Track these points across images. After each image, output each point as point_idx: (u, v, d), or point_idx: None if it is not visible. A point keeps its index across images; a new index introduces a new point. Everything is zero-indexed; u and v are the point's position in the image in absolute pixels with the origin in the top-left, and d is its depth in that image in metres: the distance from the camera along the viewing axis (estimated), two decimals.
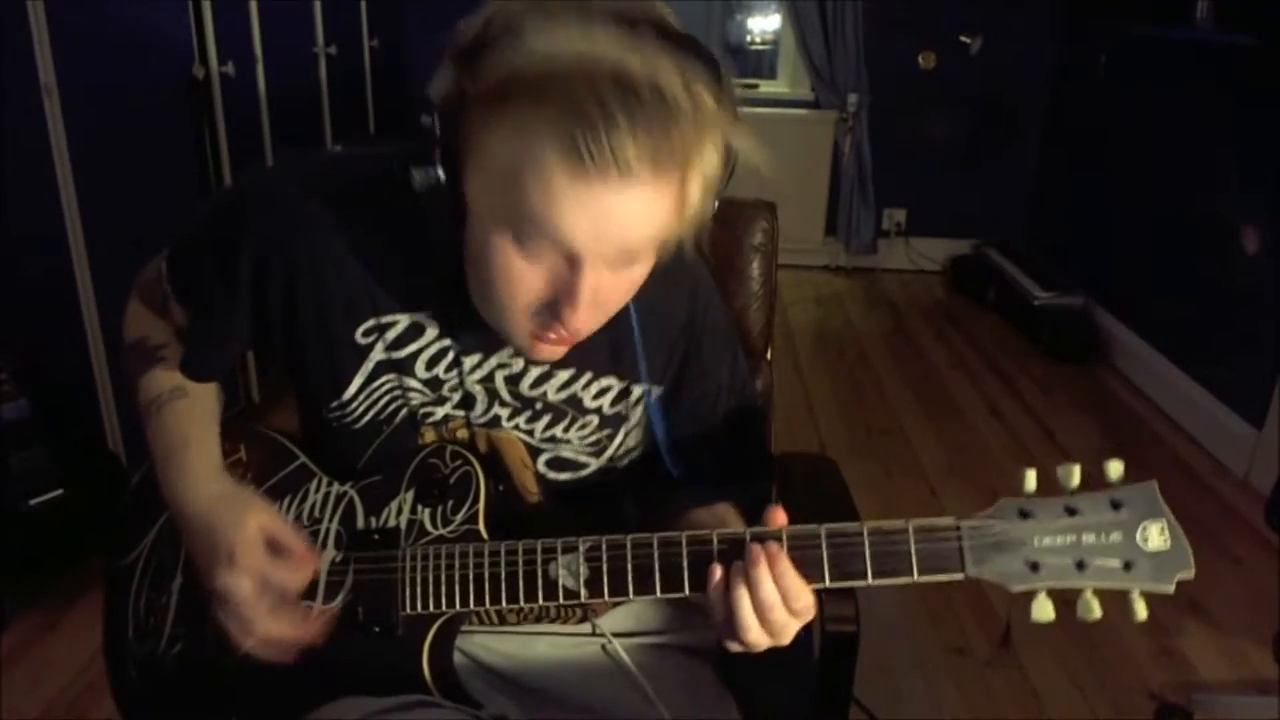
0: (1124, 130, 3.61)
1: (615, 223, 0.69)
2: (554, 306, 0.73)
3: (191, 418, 0.92)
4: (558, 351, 0.80)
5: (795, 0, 4.20)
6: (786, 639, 0.76)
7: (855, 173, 4.40)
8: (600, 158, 0.65)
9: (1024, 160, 4.40)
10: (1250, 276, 2.77)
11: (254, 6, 2.77)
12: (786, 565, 0.73)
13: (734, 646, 0.77)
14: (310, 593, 0.84)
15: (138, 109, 2.27)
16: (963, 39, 4.26)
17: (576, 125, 0.64)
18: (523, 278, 0.73)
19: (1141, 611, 0.71)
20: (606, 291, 0.74)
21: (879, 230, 4.56)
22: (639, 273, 0.76)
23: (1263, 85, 2.74)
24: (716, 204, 0.77)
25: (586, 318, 0.74)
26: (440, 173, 0.71)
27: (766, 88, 4.65)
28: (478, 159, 0.70)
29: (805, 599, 0.74)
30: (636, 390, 0.91)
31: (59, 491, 1.93)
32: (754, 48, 4.75)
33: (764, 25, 4.69)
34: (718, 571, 0.75)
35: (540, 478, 0.92)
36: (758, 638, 0.74)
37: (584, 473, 0.92)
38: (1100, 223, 3.76)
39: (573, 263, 0.71)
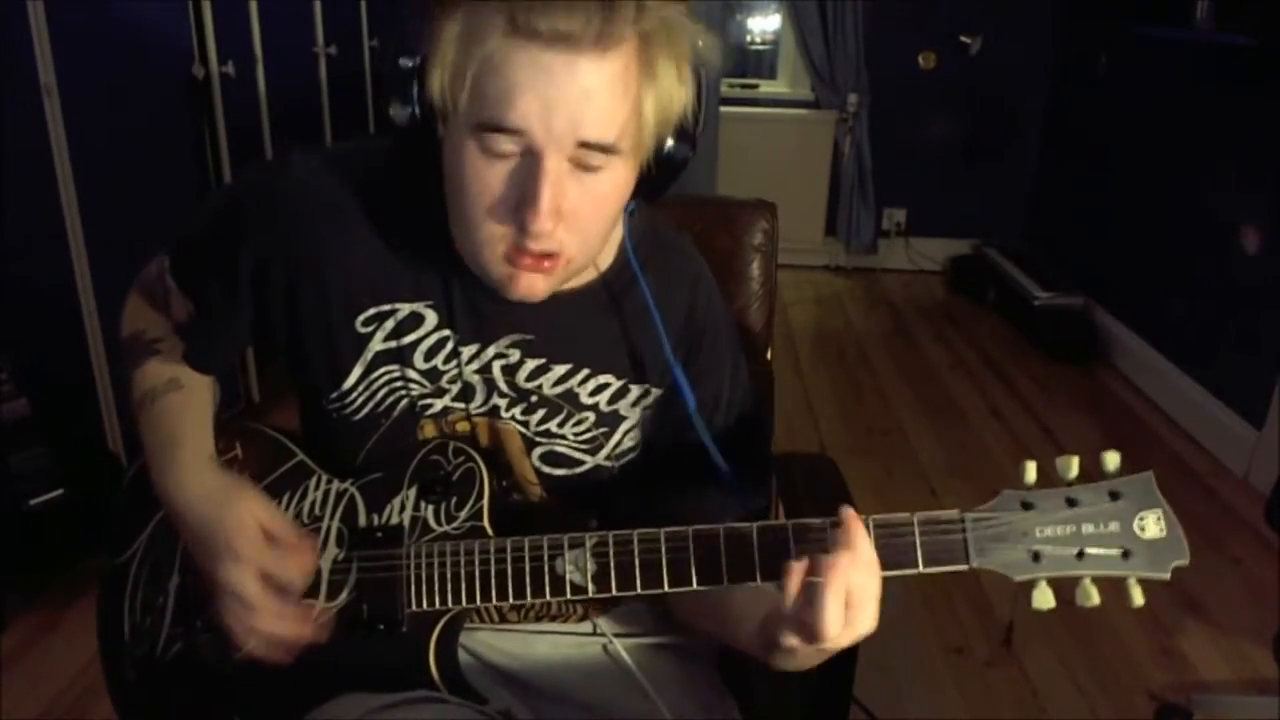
0: (1124, 130, 3.61)
1: (564, 99, 0.69)
2: (518, 214, 0.72)
3: (185, 411, 0.92)
4: (536, 284, 0.77)
5: (795, 0, 4.21)
6: (861, 630, 0.72)
7: (855, 173, 4.40)
8: (544, 25, 0.67)
9: (1024, 160, 4.40)
10: (1250, 276, 2.77)
11: (254, 6, 2.77)
12: (873, 554, 0.71)
13: (816, 641, 0.71)
14: (313, 591, 0.84)
15: (138, 109, 2.27)
16: (963, 39, 4.26)
17: (510, 3, 0.67)
18: (484, 178, 0.72)
19: (1138, 597, 0.72)
20: (573, 200, 0.73)
21: (879, 230, 4.56)
22: (605, 185, 0.74)
23: (1263, 85, 2.74)
24: (680, 146, 0.78)
25: (550, 223, 0.72)
26: (416, 104, 0.73)
27: (766, 88, 4.65)
28: (438, 66, 0.72)
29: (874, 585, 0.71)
30: (635, 390, 0.91)
31: (59, 491, 1.93)
32: (754, 48, 4.75)
33: (764, 25, 4.69)
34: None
35: (536, 472, 0.92)
36: (835, 627, 0.69)
37: (578, 470, 0.91)
38: (1100, 223, 3.76)
39: (531, 158, 0.71)
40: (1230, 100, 2.94)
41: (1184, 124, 3.20)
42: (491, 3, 0.68)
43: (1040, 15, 4.16)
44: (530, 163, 0.71)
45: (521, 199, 0.72)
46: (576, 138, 0.70)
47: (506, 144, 0.71)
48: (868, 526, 0.73)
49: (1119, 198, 3.63)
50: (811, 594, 0.69)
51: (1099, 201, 3.79)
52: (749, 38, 4.73)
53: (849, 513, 0.73)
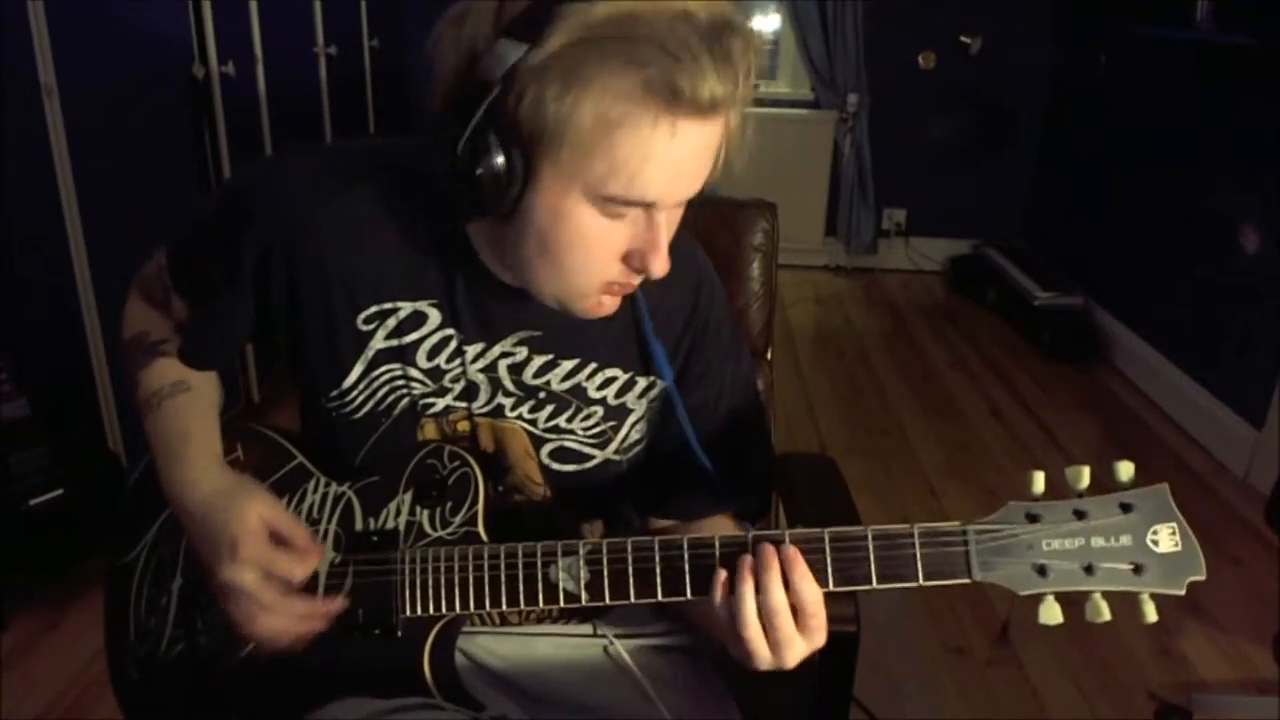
0: (1124, 130, 3.61)
1: (691, 162, 0.72)
2: (633, 258, 0.75)
3: (192, 412, 0.92)
4: (615, 304, 0.81)
5: (795, 0, 4.21)
6: (788, 658, 0.74)
7: (855, 173, 4.40)
8: (691, 100, 0.67)
9: (1024, 160, 4.40)
10: (1250, 276, 2.77)
11: (254, 6, 2.77)
12: (804, 571, 0.72)
13: (750, 662, 0.75)
14: (310, 593, 0.84)
15: (138, 109, 2.27)
16: (963, 39, 4.26)
17: (667, 74, 0.66)
18: (603, 238, 0.74)
19: (1151, 614, 0.70)
20: (669, 232, 0.77)
21: (879, 230, 4.56)
22: (677, 216, 0.78)
23: (1263, 85, 2.74)
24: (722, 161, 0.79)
25: (667, 260, 0.76)
26: (503, 159, 0.70)
27: (766, 88, 4.65)
28: (553, 130, 0.69)
29: (817, 615, 0.72)
30: (641, 383, 0.91)
31: (59, 491, 1.93)
32: None
33: (764, 25, 4.68)
34: (722, 575, 0.74)
35: (545, 469, 0.92)
36: (759, 647, 0.73)
37: (588, 465, 0.92)
38: (1100, 223, 3.76)
39: (649, 211, 0.73)
40: (1230, 100, 2.94)
41: (1184, 124, 3.20)
42: (635, 69, 0.66)
43: (1040, 15, 4.16)
44: (648, 218, 0.74)
45: (637, 250, 0.75)
46: (689, 189, 0.74)
47: (628, 209, 0.73)
48: (810, 541, 0.73)
49: (1119, 198, 3.62)
50: (730, 609, 0.73)
51: (1099, 201, 3.79)
52: (747, 25, 4.72)
53: (763, 546, 0.73)
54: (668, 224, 0.75)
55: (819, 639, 0.74)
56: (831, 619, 0.95)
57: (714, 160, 0.74)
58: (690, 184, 0.74)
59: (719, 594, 0.74)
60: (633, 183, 0.70)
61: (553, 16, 0.66)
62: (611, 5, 0.66)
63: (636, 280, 0.78)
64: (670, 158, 0.70)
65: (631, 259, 0.75)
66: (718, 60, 0.67)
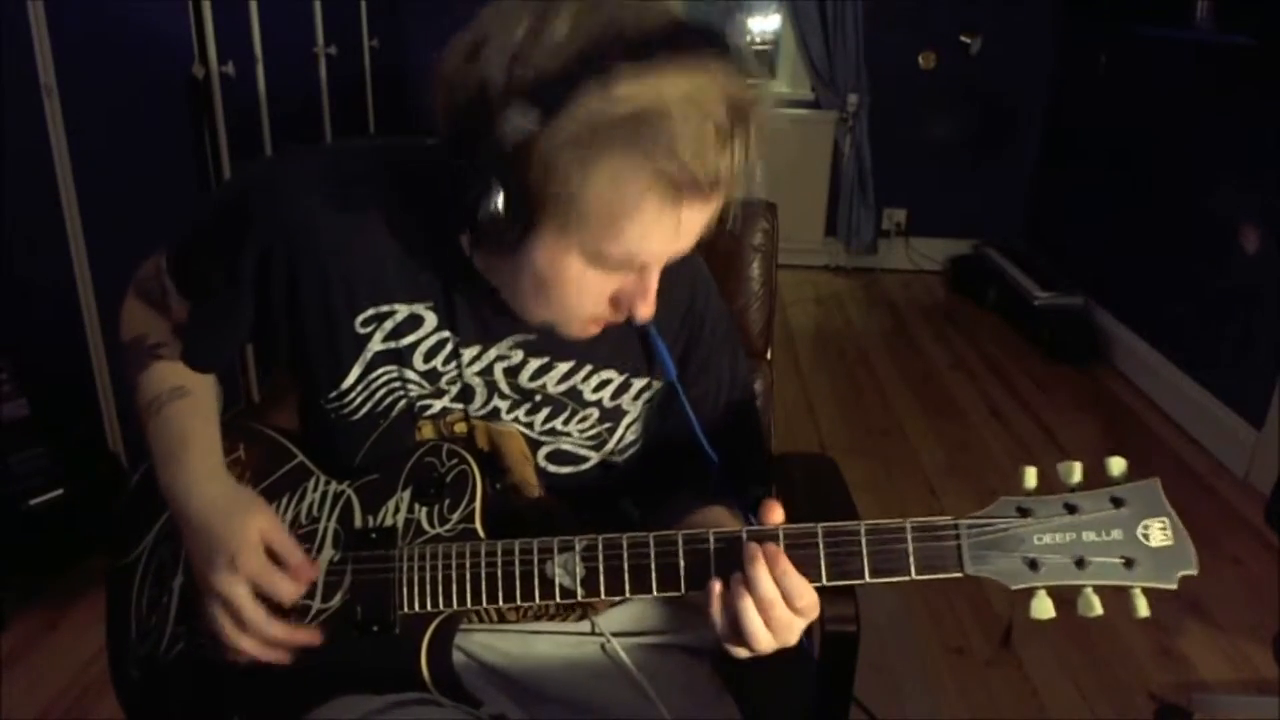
0: (1124, 130, 3.61)
1: (690, 234, 0.75)
2: (620, 303, 0.78)
3: (193, 416, 0.92)
4: (600, 328, 0.82)
5: (795, 0, 4.21)
6: (792, 637, 0.75)
7: (855, 173, 4.40)
8: (698, 187, 0.69)
9: (1024, 160, 4.40)
10: (1250, 276, 2.77)
11: (254, 6, 2.77)
12: (787, 565, 0.73)
13: (739, 651, 0.76)
14: (309, 592, 0.84)
15: (138, 109, 2.27)
16: (963, 39, 4.26)
17: (680, 168, 0.67)
18: (596, 287, 0.76)
19: (1143, 608, 0.71)
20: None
21: (879, 230, 4.56)
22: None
23: (1263, 85, 2.74)
24: None
25: (654, 306, 0.79)
26: (504, 207, 0.70)
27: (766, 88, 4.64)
28: (560, 201, 0.69)
29: (808, 597, 0.74)
30: (636, 384, 0.92)
31: (59, 491, 1.93)
32: (754, 48, 4.75)
33: (764, 25, 4.69)
34: (715, 571, 0.75)
35: (541, 471, 0.92)
36: (762, 638, 0.74)
37: (584, 467, 0.92)
38: (1100, 223, 3.76)
39: (644, 268, 0.76)
40: (1230, 100, 2.94)
41: (1184, 124, 3.20)
42: (646, 159, 0.67)
43: (1040, 15, 4.16)
44: (641, 271, 0.77)
45: (626, 296, 0.78)
46: (681, 255, 0.77)
47: (625, 265, 0.75)
48: (804, 536, 0.75)
49: (1119, 197, 3.62)
50: (727, 603, 0.74)
51: (1099, 201, 3.79)
52: (749, 38, 4.73)
53: (749, 544, 0.74)
54: (660, 271, 0.78)
55: (813, 614, 0.75)
56: (831, 619, 0.96)
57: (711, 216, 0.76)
58: (688, 245, 0.76)
59: (715, 599, 0.75)
60: (631, 254, 0.73)
61: (570, 98, 0.66)
62: (629, 92, 0.65)
63: (623, 319, 0.80)
64: (672, 234, 0.73)
65: (619, 303, 0.78)
66: (728, 150, 0.68)
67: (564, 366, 0.89)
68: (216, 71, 2.56)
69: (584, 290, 0.76)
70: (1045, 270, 3.89)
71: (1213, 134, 3.03)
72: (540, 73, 0.67)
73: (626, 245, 0.72)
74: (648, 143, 0.66)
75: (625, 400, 0.92)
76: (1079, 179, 4.00)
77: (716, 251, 0.99)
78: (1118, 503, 0.72)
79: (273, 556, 0.83)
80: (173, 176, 2.46)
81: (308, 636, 0.83)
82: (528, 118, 0.67)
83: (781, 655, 0.77)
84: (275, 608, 0.82)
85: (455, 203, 0.71)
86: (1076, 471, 0.72)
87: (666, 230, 0.72)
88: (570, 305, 0.78)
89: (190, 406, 0.92)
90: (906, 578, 0.73)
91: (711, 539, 0.76)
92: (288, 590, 0.82)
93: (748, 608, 0.73)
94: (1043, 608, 0.72)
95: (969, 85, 4.32)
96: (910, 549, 0.73)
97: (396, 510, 0.86)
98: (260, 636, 0.82)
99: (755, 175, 0.74)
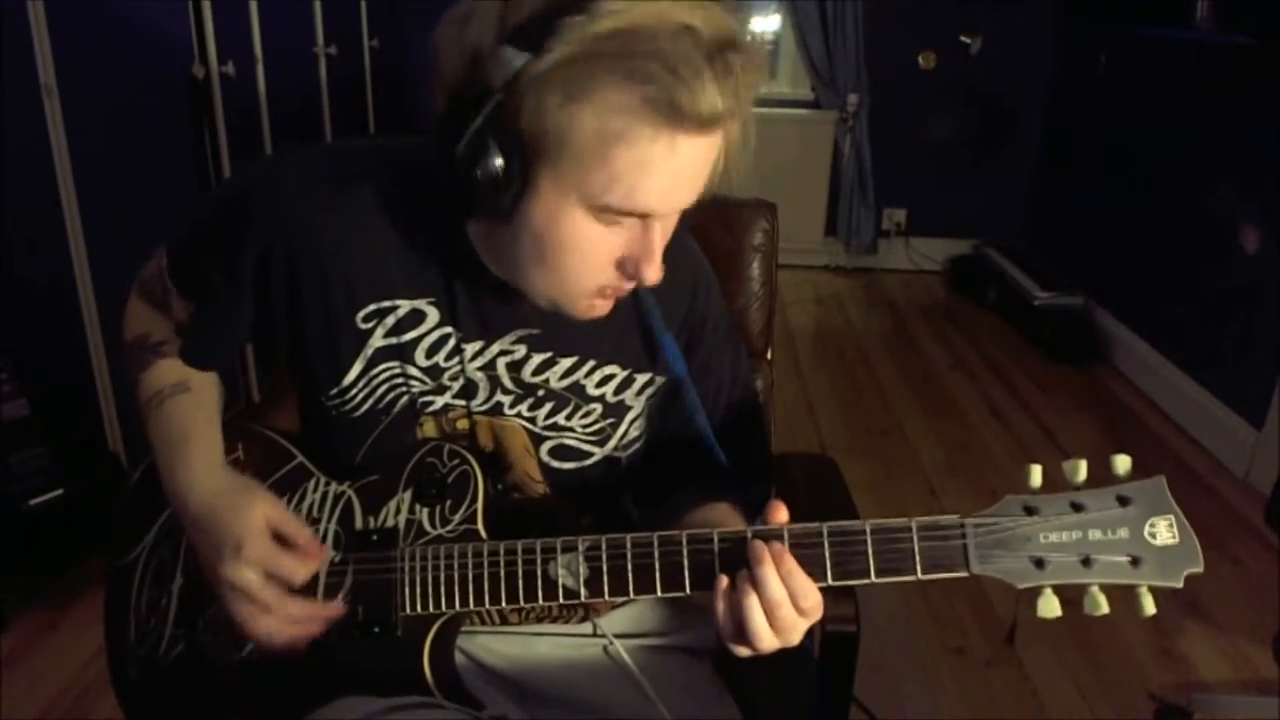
0: (1124, 130, 3.61)
1: (689, 174, 0.73)
2: (626, 265, 0.76)
3: (194, 412, 0.92)
4: (608, 307, 0.81)
5: (795, 0, 4.21)
6: (796, 638, 0.75)
7: (855, 173, 4.40)
8: (691, 115, 0.67)
9: (1024, 160, 4.40)
10: (1250, 276, 2.77)
11: (254, 6, 2.77)
12: (793, 565, 0.73)
13: (741, 650, 0.76)
14: (311, 593, 0.84)
15: (138, 109, 2.27)
16: (963, 39, 4.26)
17: (667, 90, 0.66)
18: (598, 244, 0.75)
19: (1149, 607, 0.70)
20: (664, 239, 0.77)
21: (879, 230, 4.56)
22: (672, 223, 0.80)
23: (1263, 85, 2.74)
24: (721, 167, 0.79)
25: (660, 267, 0.77)
26: (502, 162, 0.70)
27: (766, 88, 4.64)
28: (552, 140, 0.69)
29: (813, 597, 0.74)
30: (640, 380, 0.92)
31: (59, 491, 1.93)
32: None
33: (764, 25, 4.69)
34: (720, 570, 0.75)
35: (544, 467, 0.92)
36: (766, 637, 0.74)
37: (587, 462, 0.92)
38: (1100, 223, 3.76)
39: (645, 220, 0.74)
40: (1230, 100, 2.94)
41: (1184, 124, 3.20)
42: (636, 84, 0.66)
43: (1040, 15, 4.16)
44: (643, 227, 0.75)
45: (632, 257, 0.76)
46: (686, 201, 0.76)
47: (624, 218, 0.73)
48: (809, 535, 0.75)
49: (1119, 198, 3.62)
50: (732, 603, 0.74)
51: (1099, 201, 3.79)
52: (749, 38, 4.72)
53: (756, 542, 0.74)
54: (663, 232, 0.76)
55: (817, 615, 0.75)
56: (831, 619, 0.96)
57: (712, 170, 0.75)
58: (688, 194, 0.75)
59: (720, 597, 0.74)
60: (630, 194, 0.71)
61: (556, 28, 0.66)
62: (614, 19, 0.65)
63: (629, 285, 0.79)
64: (668, 171, 0.71)
65: (625, 265, 0.76)
66: (719, 76, 0.67)
67: (567, 361, 0.89)
68: (216, 71, 2.56)
69: (586, 252, 0.75)
70: (1045, 270, 3.89)
71: (1213, 134, 3.03)
72: (528, 16, 0.67)
73: (624, 184, 0.70)
74: (633, 64, 0.66)
75: (629, 396, 0.92)
76: (1079, 179, 4.00)
77: (717, 251, 0.99)
78: (1124, 501, 0.71)
79: (280, 540, 0.82)
80: (173, 176, 2.46)
81: (330, 610, 0.83)
82: (516, 59, 0.67)
83: (782, 655, 0.77)
84: (289, 590, 0.82)
85: (453, 173, 0.70)
86: (1082, 470, 0.72)
87: (662, 162, 0.70)
88: (572, 268, 0.76)
89: (192, 402, 0.92)
90: (912, 577, 0.73)
91: (716, 539, 0.76)
92: (298, 570, 0.82)
93: (753, 607, 0.73)
94: (1049, 606, 0.72)
95: (969, 85, 4.32)
96: (916, 548, 0.73)
97: (398, 511, 0.86)
98: (282, 616, 0.81)
99: (750, 130, 0.74)
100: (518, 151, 0.70)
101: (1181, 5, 2.96)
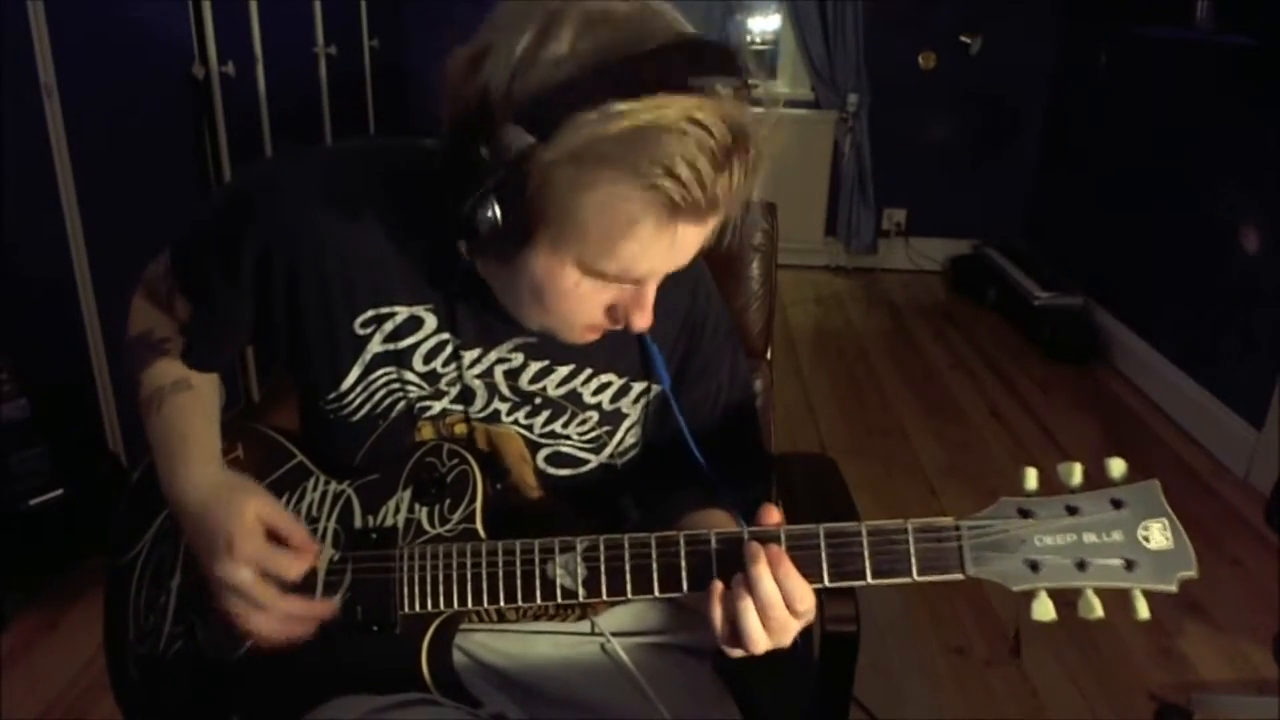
0: (1124, 130, 3.61)
1: (688, 251, 0.75)
2: (616, 313, 0.78)
3: (193, 411, 0.92)
4: (599, 334, 0.82)
5: (795, 0, 4.21)
6: (787, 640, 0.76)
7: (855, 173, 4.40)
8: (695, 207, 0.68)
9: (1024, 160, 4.40)
10: (1250, 276, 2.77)
11: (254, 6, 2.77)
12: (789, 566, 0.73)
13: (734, 652, 0.76)
14: (310, 591, 0.84)
15: (138, 109, 2.27)
16: (963, 39, 4.26)
17: (674, 191, 0.66)
18: (592, 297, 0.76)
19: (1143, 610, 0.71)
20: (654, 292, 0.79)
21: (879, 230, 4.56)
22: None
23: (1263, 85, 2.74)
24: None
25: (651, 316, 0.79)
26: (503, 219, 0.70)
27: (766, 88, 4.63)
28: (556, 216, 0.69)
29: (808, 600, 0.74)
30: (636, 388, 0.92)
31: (59, 491, 1.93)
32: (754, 48, 4.74)
33: (764, 25, 4.69)
34: (717, 571, 0.75)
35: (540, 473, 0.92)
36: (759, 638, 0.74)
37: (584, 469, 0.92)
38: (1100, 223, 3.76)
39: (641, 282, 0.76)
40: (1230, 100, 2.94)
41: (1184, 124, 3.20)
42: (641, 181, 0.66)
43: (1040, 15, 4.15)
44: (638, 284, 0.77)
45: (623, 307, 0.78)
46: (679, 268, 0.77)
47: (619, 280, 0.75)
48: (805, 537, 0.75)
49: (1119, 198, 3.62)
50: (727, 604, 0.75)
51: (1099, 201, 3.79)
52: (749, 38, 4.73)
53: (751, 543, 0.75)
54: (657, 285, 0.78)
55: (810, 617, 0.76)
56: (831, 619, 0.96)
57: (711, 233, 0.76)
58: (684, 261, 0.76)
59: (715, 598, 0.75)
60: (628, 270, 0.73)
61: (566, 122, 0.65)
62: (625, 120, 0.64)
63: (620, 328, 0.80)
64: (668, 254, 0.73)
65: (616, 313, 0.78)
66: (726, 173, 0.67)
67: (564, 370, 0.89)
68: (216, 71, 2.56)
69: (580, 300, 0.76)
70: (1045, 270, 3.89)
71: (1213, 134, 3.03)
72: (540, 87, 0.66)
73: (622, 262, 0.72)
74: (644, 162, 0.65)
75: (625, 404, 0.92)
76: (1079, 179, 4.00)
77: (717, 251, 0.99)
78: (1118, 504, 0.72)
79: (274, 538, 0.83)
80: (173, 176, 2.46)
81: (324, 607, 0.83)
82: (526, 133, 0.66)
83: (782, 655, 0.77)
84: (284, 587, 0.82)
85: (454, 210, 0.70)
86: (1077, 473, 0.72)
87: (662, 249, 0.72)
88: (567, 314, 0.78)
89: (191, 401, 0.93)
90: (908, 579, 0.73)
91: (713, 539, 0.76)
92: (291, 567, 0.82)
93: (747, 608, 0.73)
94: (1044, 609, 0.72)
95: (969, 85, 4.32)
96: (911, 550, 0.73)
97: (397, 510, 0.86)
98: (277, 613, 0.81)
99: (754, 194, 0.73)
100: (521, 216, 0.70)
101: (1181, 5, 2.96)
